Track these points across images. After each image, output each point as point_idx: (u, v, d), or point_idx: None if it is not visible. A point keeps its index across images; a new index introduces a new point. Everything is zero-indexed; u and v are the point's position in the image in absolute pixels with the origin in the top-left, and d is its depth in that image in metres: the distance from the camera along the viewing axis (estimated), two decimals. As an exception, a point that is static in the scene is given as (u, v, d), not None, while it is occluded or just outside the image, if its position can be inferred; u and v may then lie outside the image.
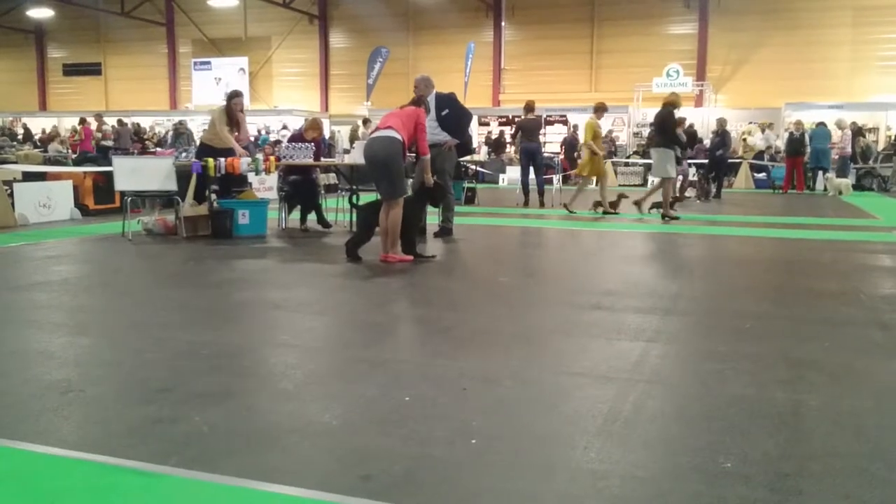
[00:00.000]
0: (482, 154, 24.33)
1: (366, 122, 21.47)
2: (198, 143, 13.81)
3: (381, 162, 7.02)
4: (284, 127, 27.39)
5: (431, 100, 8.62)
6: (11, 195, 10.63)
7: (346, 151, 13.63)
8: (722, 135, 17.80)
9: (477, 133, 26.73)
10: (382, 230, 7.16)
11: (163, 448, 2.74)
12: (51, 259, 7.68)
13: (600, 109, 12.94)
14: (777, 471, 2.58)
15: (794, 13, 24.79)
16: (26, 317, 5.00)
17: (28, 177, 11.68)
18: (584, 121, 13.33)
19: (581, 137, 15.82)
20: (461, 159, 9.57)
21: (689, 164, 17.91)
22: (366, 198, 8.32)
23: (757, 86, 25.29)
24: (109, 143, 20.73)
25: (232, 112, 9.47)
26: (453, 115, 8.75)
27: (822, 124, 19.73)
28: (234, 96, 9.59)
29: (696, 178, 17.52)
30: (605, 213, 12.66)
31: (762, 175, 21.36)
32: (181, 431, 2.91)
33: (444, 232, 9.17)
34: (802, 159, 19.34)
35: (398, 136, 7.00)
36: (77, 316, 5.12)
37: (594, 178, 13.92)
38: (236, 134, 9.58)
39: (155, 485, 2.47)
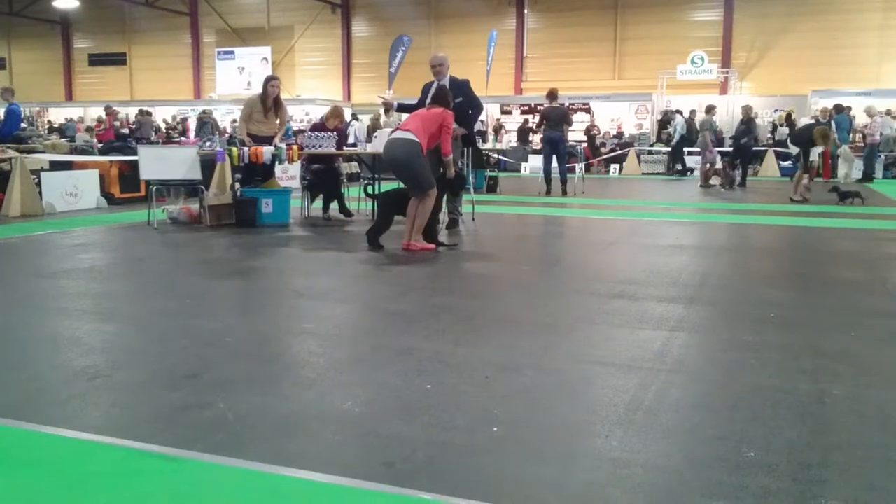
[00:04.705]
0: (504, 142, 24.22)
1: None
2: (227, 131, 13.84)
3: (403, 165, 7.11)
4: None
5: (445, 83, 8.51)
6: (39, 184, 10.77)
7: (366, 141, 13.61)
8: (747, 122, 17.60)
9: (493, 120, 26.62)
10: (410, 218, 7.19)
11: (188, 434, 2.78)
12: (78, 247, 7.77)
13: None
14: (800, 461, 2.57)
15: (822, -2, 24.44)
16: (54, 304, 5.08)
17: (55, 166, 11.83)
18: None
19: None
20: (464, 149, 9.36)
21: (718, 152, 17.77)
22: (386, 186, 8.34)
23: (783, 73, 24.98)
24: (125, 130, 20.99)
25: (266, 97, 9.50)
26: (465, 105, 8.58)
27: (840, 110, 19.42)
28: (269, 79, 9.63)
29: (720, 166, 17.35)
30: None
31: (788, 163, 21.10)
32: (206, 417, 2.94)
33: (452, 223, 9.00)
34: (829, 147, 19.07)
35: (415, 139, 7.06)
36: (104, 303, 5.19)
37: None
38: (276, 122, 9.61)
39: (180, 469, 2.50)
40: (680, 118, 21.62)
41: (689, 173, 21.14)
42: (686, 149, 21.02)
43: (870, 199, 12.66)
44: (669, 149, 21.72)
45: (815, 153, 13.33)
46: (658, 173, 22.44)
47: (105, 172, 12.19)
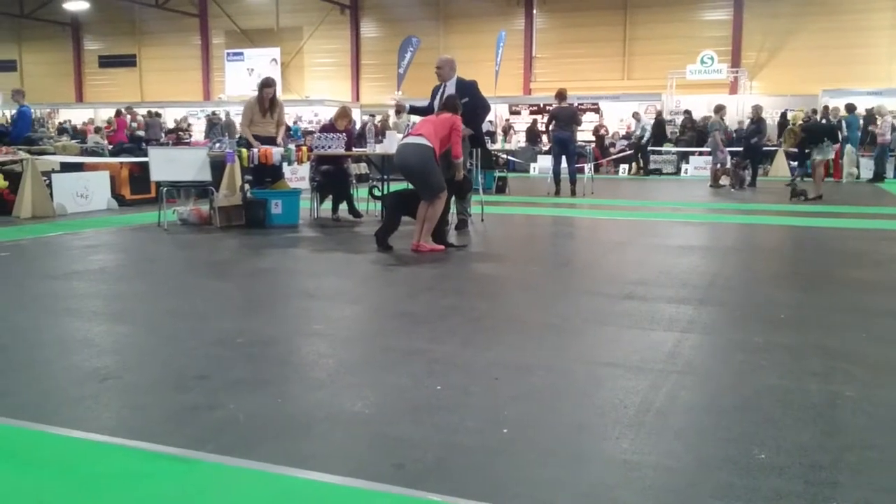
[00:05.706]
0: (512, 143, 24.18)
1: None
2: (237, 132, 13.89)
3: (415, 170, 7.18)
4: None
5: (452, 84, 8.54)
6: (50, 186, 10.81)
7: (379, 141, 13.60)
8: (757, 122, 17.54)
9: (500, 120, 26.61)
10: (420, 219, 7.22)
11: (199, 434, 2.78)
12: (89, 248, 7.81)
13: None
14: (812, 463, 2.56)
15: (832, -3, 24.32)
16: (65, 305, 5.10)
17: (66, 167, 11.88)
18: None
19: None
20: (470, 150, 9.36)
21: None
22: (394, 188, 8.34)
23: (793, 72, 24.86)
24: (141, 132, 21.09)
25: (262, 99, 9.55)
26: (471, 105, 8.57)
27: (851, 110, 19.37)
28: (263, 86, 9.66)
29: (729, 167, 17.29)
30: None
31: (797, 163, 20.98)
32: (217, 418, 2.95)
33: (462, 224, 8.98)
34: (838, 147, 18.99)
35: (428, 144, 7.13)
36: (115, 304, 5.21)
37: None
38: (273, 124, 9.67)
39: (191, 470, 2.51)
40: (645, 118, 21.90)
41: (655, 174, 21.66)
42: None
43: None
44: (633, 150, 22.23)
45: (817, 153, 13.36)
46: (670, 173, 22.44)
47: (115, 174, 12.24)
